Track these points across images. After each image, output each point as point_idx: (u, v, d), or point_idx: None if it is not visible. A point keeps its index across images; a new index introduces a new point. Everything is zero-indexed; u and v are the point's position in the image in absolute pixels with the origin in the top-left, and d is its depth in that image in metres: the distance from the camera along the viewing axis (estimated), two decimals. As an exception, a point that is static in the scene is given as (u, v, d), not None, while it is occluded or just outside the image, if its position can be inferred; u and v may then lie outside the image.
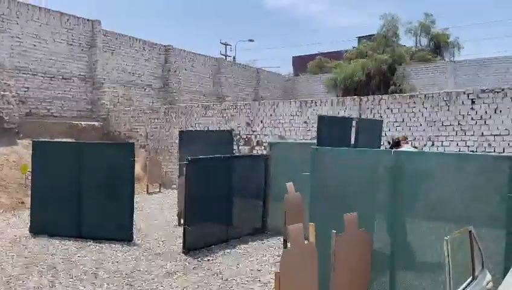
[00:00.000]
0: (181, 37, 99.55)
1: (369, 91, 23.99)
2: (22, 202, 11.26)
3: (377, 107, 10.65)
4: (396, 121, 10.32)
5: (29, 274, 6.11)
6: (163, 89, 21.45)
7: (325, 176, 5.32)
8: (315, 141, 10.53)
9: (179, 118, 15.46)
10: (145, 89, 20.60)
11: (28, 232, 8.47)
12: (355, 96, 11.44)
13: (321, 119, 6.01)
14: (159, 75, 21.35)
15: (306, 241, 4.35)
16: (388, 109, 10.48)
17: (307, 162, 5.67)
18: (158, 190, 14.56)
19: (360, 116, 10.78)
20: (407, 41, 32.42)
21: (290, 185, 7.23)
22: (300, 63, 41.35)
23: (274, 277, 3.73)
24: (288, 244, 5.91)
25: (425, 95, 10.09)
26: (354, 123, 6.53)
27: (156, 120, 16.31)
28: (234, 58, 40.54)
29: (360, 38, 38.11)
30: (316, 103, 11.92)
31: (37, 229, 8.41)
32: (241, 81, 27.15)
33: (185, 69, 22.95)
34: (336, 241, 4.39)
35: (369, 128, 7.25)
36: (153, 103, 20.41)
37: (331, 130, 6.06)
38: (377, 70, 24.68)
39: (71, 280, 5.96)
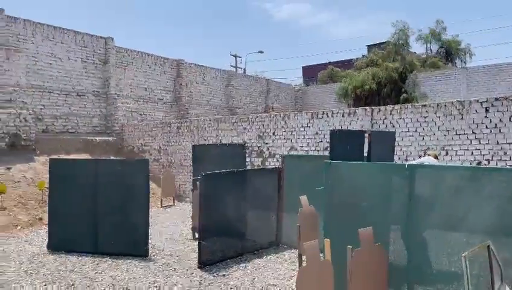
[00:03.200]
0: (192, 51, 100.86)
1: (380, 100, 23.95)
2: (40, 219, 11.44)
3: (389, 117, 10.62)
4: (408, 131, 10.26)
5: (49, 292, 6.20)
6: (175, 103, 21.70)
7: (339, 190, 5.33)
8: (327, 152, 10.56)
9: (191, 132, 15.60)
10: (158, 103, 20.87)
11: (46, 249, 8.60)
12: (366, 107, 11.42)
13: (333, 133, 6.04)
14: (171, 89, 21.63)
15: (321, 256, 4.36)
16: (400, 118, 10.44)
17: (320, 174, 5.69)
18: (172, 203, 14.65)
19: (372, 126, 10.77)
20: (418, 48, 32.37)
21: (303, 198, 7.24)
22: (310, 73, 41.51)
23: (291, 295, 3.74)
24: (304, 261, 5.92)
25: (438, 104, 10.03)
26: (366, 135, 6.53)
27: (168, 134, 16.48)
28: (244, 70, 40.94)
29: (369, 47, 38.17)
30: (327, 114, 11.93)
31: (54, 245, 8.54)
32: (252, 93, 27.31)
33: (196, 83, 23.21)
34: (351, 257, 4.40)
35: (382, 140, 7.23)
36: (165, 117, 20.65)
37: (344, 144, 6.07)
38: (387, 79, 24.64)
39: (89, 297, 6.03)
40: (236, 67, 40.55)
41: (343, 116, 11.46)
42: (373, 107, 11.21)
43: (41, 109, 15.85)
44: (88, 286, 6.45)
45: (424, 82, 24.22)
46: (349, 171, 5.29)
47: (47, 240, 8.77)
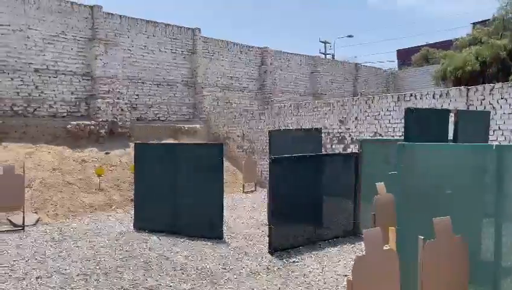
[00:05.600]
0: (279, 38, 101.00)
1: (485, 81, 21.39)
2: (131, 200, 12.29)
3: (488, 97, 9.36)
4: (512, 113, 8.96)
5: (127, 267, 6.59)
6: (259, 91, 21.84)
7: (413, 175, 4.75)
8: (396, 139, 9.70)
9: (273, 118, 15.53)
10: (243, 91, 21.18)
11: (132, 227, 9.22)
12: (461, 87, 10.21)
13: (409, 111, 5.42)
14: (256, 77, 21.79)
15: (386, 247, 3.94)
16: (502, 98, 9.14)
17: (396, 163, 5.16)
18: (253, 189, 14.80)
19: (468, 108, 9.62)
20: (532, 22, 28.23)
21: (380, 185, 6.70)
22: (406, 56, 38.83)
23: (346, 284, 3.41)
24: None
25: (550, 81, 8.57)
26: (451, 115, 5.76)
27: (250, 121, 16.64)
28: (333, 55, 39.80)
29: (474, 25, 34.44)
30: (415, 96, 10.95)
31: (139, 225, 9.11)
32: (339, 78, 26.39)
33: (281, 70, 23.07)
34: (424, 249, 3.89)
35: (473, 121, 6.33)
36: (250, 104, 20.89)
37: (423, 124, 5.41)
38: (494, 58, 21.98)
39: (162, 274, 6.27)
40: (325, 53, 39.62)
41: (433, 97, 10.40)
42: (468, 87, 9.99)
43: (135, 98, 17.03)
44: (163, 264, 6.72)
45: (540, 59, 21.10)
46: (425, 154, 4.68)
47: (133, 220, 9.38)
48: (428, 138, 5.18)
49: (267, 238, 8.09)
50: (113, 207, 11.76)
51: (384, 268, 3.58)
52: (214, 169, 8.37)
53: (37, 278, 6.11)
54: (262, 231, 8.89)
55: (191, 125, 18.17)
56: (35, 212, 10.27)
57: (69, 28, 15.05)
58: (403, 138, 10.64)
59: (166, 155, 9.06)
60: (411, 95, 11.13)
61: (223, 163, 8.46)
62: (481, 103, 9.54)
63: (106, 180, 12.92)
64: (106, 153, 14.48)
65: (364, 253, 3.56)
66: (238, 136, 17.15)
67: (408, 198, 4.78)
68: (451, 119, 5.79)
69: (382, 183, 6.71)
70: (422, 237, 3.95)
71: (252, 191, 14.55)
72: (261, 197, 13.19)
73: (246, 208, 11.52)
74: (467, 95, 9.81)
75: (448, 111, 5.87)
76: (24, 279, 6.07)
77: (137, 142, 10.14)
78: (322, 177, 7.97)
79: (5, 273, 6.31)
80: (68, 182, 12.21)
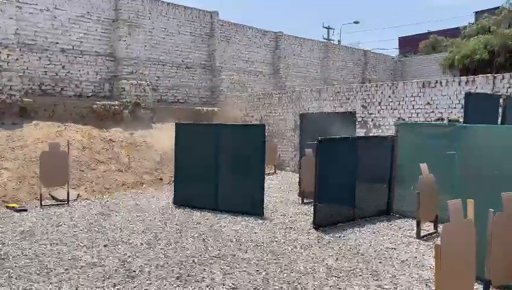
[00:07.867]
0: (284, 23, 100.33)
1: (493, 71, 21.79)
2: (160, 179, 12.71)
3: (515, 85, 9.76)
4: (539, 101, 9.37)
5: (185, 238, 6.98)
6: (273, 75, 22.09)
7: (474, 155, 5.17)
8: (440, 122, 10.08)
9: (293, 102, 15.86)
10: (257, 75, 21.42)
11: (171, 203, 9.60)
12: (488, 74, 10.60)
13: (468, 96, 5.80)
14: (270, 61, 22.01)
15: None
16: (529, 87, 9.55)
17: (439, 145, 5.55)
18: (273, 171, 15.20)
19: (494, 96, 10.03)
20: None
21: (423, 166, 7.13)
22: (408, 44, 39.12)
23: (434, 250, 3.82)
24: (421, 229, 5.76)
25: None
26: (501, 100, 6.16)
27: (269, 105, 16.95)
28: (339, 41, 39.92)
29: (478, 13, 34.66)
30: (440, 82, 11.33)
31: (179, 201, 9.50)
32: (349, 65, 26.67)
33: (294, 55, 23.29)
34: (493, 220, 4.31)
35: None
36: (264, 89, 21.15)
37: (478, 108, 5.81)
38: (502, 47, 22.35)
39: (220, 245, 6.67)
40: (328, 39, 39.70)
41: (459, 84, 10.79)
42: (495, 75, 10.38)
43: (156, 80, 17.24)
44: (216, 237, 7.12)
45: (549, 50, 21.51)
46: (487, 135, 5.09)
47: (173, 196, 9.76)
48: (481, 120, 5.57)
49: (305, 216, 8.57)
50: (144, 185, 12.12)
51: (464, 235, 3.99)
52: (255, 149, 8.73)
53: (104, 246, 6.50)
54: (298, 209, 9.33)
55: (209, 108, 18.44)
56: (74, 189, 10.60)
57: (93, 8, 15.15)
58: (433, 122, 11.07)
59: (208, 135, 9.37)
60: (436, 82, 11.51)
61: (265, 143, 8.82)
62: (507, 90, 9.92)
63: (133, 160, 13.24)
64: (131, 134, 14.76)
65: (449, 222, 3.95)
66: (256, 120, 17.46)
67: (467, 175, 5.21)
68: (501, 104, 6.19)
69: (425, 164, 7.14)
70: (492, 209, 4.37)
71: (272, 173, 14.94)
72: (284, 179, 13.63)
73: (273, 189, 11.92)
74: (493, 83, 10.19)
75: (499, 96, 6.26)
76: (92, 247, 6.45)
77: (177, 121, 10.44)
78: (361, 158, 8.35)
79: (72, 242, 6.69)
80: (99, 161, 12.52)
